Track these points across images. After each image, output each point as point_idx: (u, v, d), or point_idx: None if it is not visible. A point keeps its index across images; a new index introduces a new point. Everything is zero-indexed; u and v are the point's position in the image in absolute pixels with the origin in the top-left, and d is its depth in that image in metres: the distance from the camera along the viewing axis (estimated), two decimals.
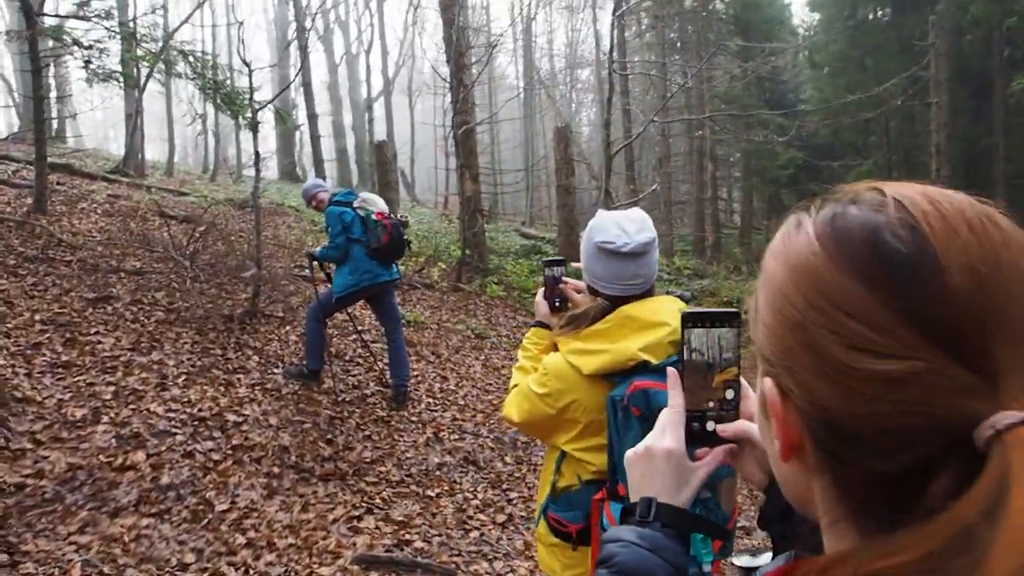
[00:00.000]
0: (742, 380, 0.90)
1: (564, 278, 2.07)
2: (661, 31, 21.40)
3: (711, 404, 0.88)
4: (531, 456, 5.37)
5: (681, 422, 0.87)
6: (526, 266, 13.24)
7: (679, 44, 22.92)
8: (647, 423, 1.51)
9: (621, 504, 1.56)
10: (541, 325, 2.06)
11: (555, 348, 1.81)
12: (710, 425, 0.88)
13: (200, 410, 4.44)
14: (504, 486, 4.82)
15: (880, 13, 18.94)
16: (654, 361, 1.60)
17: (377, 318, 5.94)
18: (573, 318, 1.75)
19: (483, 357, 7.63)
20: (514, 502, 4.61)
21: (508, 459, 5.25)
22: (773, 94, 21.12)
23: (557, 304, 2.06)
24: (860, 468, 0.48)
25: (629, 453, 0.89)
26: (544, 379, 1.74)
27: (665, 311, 1.69)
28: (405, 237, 5.35)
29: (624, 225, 1.69)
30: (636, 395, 1.55)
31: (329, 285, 5.58)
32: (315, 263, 5.71)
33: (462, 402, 6.08)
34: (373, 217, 5.26)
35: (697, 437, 0.88)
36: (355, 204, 5.36)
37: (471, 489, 4.68)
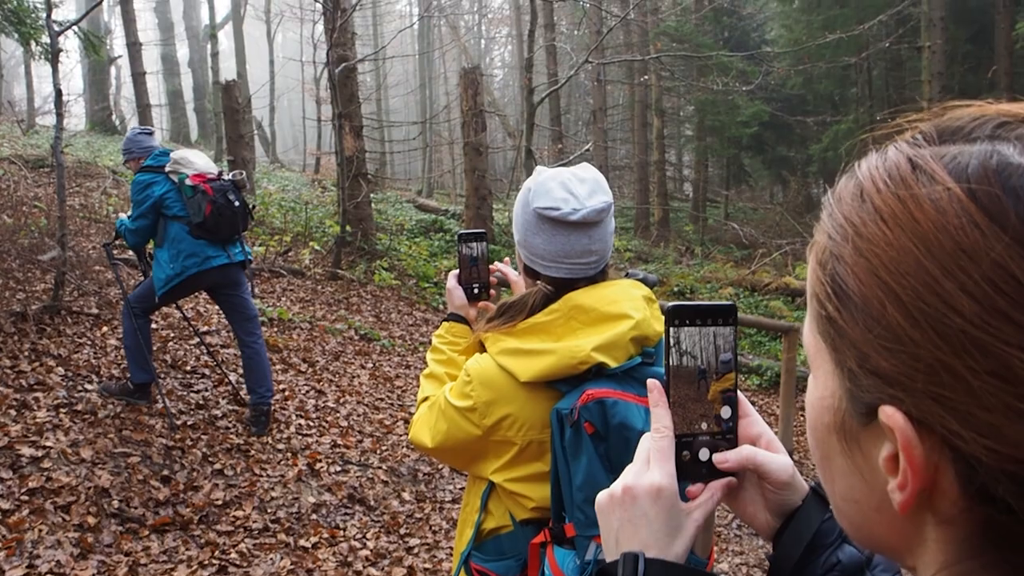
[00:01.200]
0: (740, 394, 0.89)
1: (488, 257, 2.06)
2: None
3: (704, 426, 0.87)
4: (436, 491, 5.36)
5: (671, 450, 0.84)
6: (424, 247, 13.21)
7: None
8: (603, 443, 1.52)
9: (570, 550, 1.56)
10: (456, 319, 2.05)
11: (480, 348, 1.79)
12: (703, 453, 0.87)
13: None
14: (402, 531, 4.79)
15: None
16: (612, 364, 1.59)
17: (225, 316, 5.76)
18: (506, 308, 1.73)
19: (371, 365, 7.55)
20: (415, 551, 4.59)
21: (406, 496, 5.22)
22: (733, 32, 21.84)
23: (476, 291, 2.07)
24: None
25: (602, 495, 0.86)
26: (467, 389, 1.71)
27: (626, 299, 1.68)
28: (235, 203, 5.13)
29: (571, 186, 1.67)
30: (590, 407, 1.54)
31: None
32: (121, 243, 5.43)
33: (344, 423, 6.00)
34: (188, 183, 5.02)
35: (687, 470, 0.87)
36: (167, 169, 5.11)
37: (358, 536, 4.62)
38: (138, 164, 5.21)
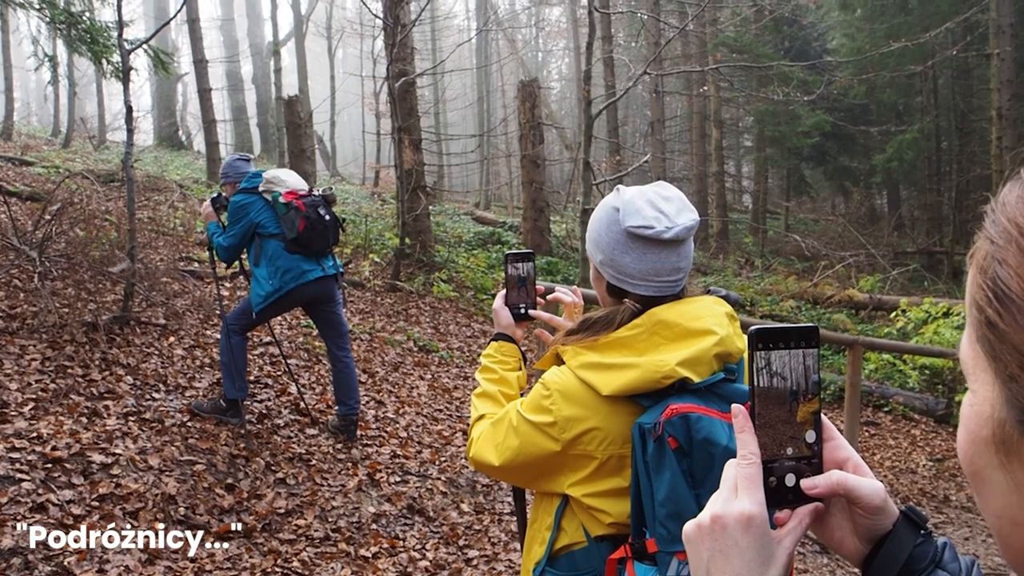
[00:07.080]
0: (823, 417, 0.87)
1: (534, 278, 2.08)
2: None
3: (790, 450, 0.86)
4: (495, 503, 5.34)
5: (759, 477, 0.83)
6: (483, 259, 13.23)
7: None
8: (686, 459, 1.50)
9: (651, 566, 1.54)
10: (503, 338, 2.07)
11: (557, 361, 1.79)
12: (789, 479, 0.86)
13: (54, 448, 4.28)
14: (461, 542, 4.77)
15: None
16: (696, 379, 1.58)
17: (317, 329, 5.88)
18: (591, 323, 1.72)
19: (429, 376, 7.57)
20: (474, 563, 4.57)
21: (465, 507, 5.20)
22: (794, 42, 21.48)
23: (523, 311, 2.08)
24: None
25: (690, 525, 0.84)
26: (546, 403, 1.69)
27: (709, 315, 1.67)
28: (327, 217, 5.28)
29: (660, 204, 1.69)
30: (674, 422, 1.52)
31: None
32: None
33: (404, 434, 6.02)
34: (281, 200, 5.17)
35: (774, 496, 0.85)
36: (260, 188, 5.27)
37: (418, 547, 4.62)
38: (234, 188, 5.41)
